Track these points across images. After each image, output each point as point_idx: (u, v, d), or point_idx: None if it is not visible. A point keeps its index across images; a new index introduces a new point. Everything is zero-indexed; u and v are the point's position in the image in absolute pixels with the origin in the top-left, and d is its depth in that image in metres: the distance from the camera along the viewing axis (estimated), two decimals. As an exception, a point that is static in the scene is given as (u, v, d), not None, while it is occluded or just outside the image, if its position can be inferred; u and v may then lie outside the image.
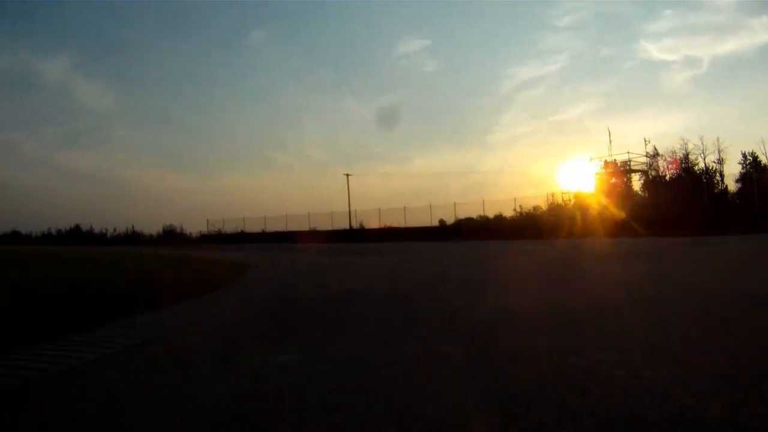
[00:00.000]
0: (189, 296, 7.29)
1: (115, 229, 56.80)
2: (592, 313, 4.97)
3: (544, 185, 66.69)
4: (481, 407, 2.48)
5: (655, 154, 33.25)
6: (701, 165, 32.64)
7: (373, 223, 41.25)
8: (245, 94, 75.92)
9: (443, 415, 2.39)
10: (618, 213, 27.40)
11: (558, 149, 68.58)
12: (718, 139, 32.08)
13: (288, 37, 72.31)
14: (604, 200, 29.83)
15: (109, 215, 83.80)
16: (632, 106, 59.42)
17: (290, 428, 2.32)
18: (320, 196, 67.06)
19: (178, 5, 68.49)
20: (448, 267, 11.98)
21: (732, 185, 32.07)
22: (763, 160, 31.48)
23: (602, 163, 33.37)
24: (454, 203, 37.75)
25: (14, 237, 58.08)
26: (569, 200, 33.99)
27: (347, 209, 43.72)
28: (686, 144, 32.78)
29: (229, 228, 48.59)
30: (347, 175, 44.99)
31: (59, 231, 59.38)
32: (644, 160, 33.23)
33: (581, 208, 30.80)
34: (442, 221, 37.78)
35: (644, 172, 33.84)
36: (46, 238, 58.06)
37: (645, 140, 33.45)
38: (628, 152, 32.73)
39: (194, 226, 54.48)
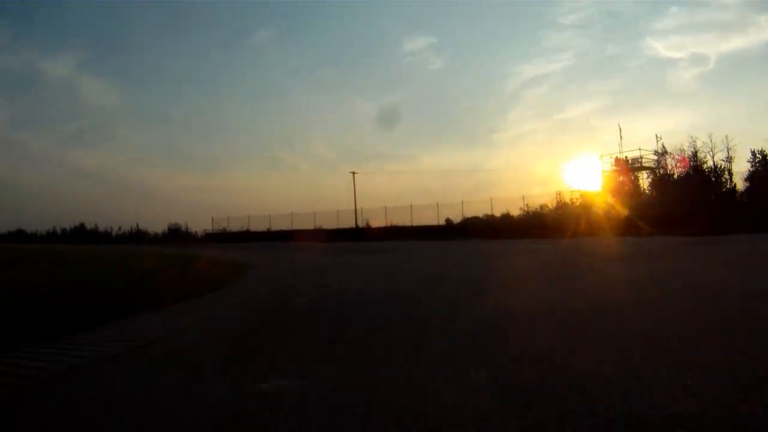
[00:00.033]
0: (189, 296, 7.16)
1: (120, 228, 57.22)
2: (593, 314, 4.93)
3: (550, 184, 66.73)
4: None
5: (663, 152, 33.08)
6: (710, 163, 32.39)
7: (379, 222, 41.32)
8: (250, 93, 76.43)
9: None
10: (625, 211, 27.29)
11: (564, 147, 68.63)
12: (726, 137, 31.77)
13: (293, 36, 72.68)
14: (611, 199, 29.71)
15: (114, 214, 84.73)
16: (639, 104, 59.42)
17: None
18: (326, 195, 67.77)
19: (183, 4, 68.88)
20: (449, 267, 11.89)
21: (740, 184, 31.84)
22: (773, 158, 31.19)
23: (613, 160, 33.24)
24: (462, 201, 37.78)
25: (19, 235, 58.43)
26: (576, 199, 33.89)
27: (353, 208, 43.83)
28: (695, 142, 32.56)
29: (234, 227, 48.87)
30: (353, 173, 45.07)
31: (64, 230, 59.85)
32: (655, 156, 33.12)
33: (588, 206, 30.69)
34: (448, 220, 37.81)
35: (653, 170, 33.63)
36: (51, 236, 58.46)
37: (657, 136, 33.22)
38: (640, 149, 32.69)
39: (199, 224, 54.79)
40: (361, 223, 42.53)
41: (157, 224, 60.57)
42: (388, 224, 39.79)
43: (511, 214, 36.03)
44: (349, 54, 76.12)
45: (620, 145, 33.19)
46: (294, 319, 5.49)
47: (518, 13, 66.37)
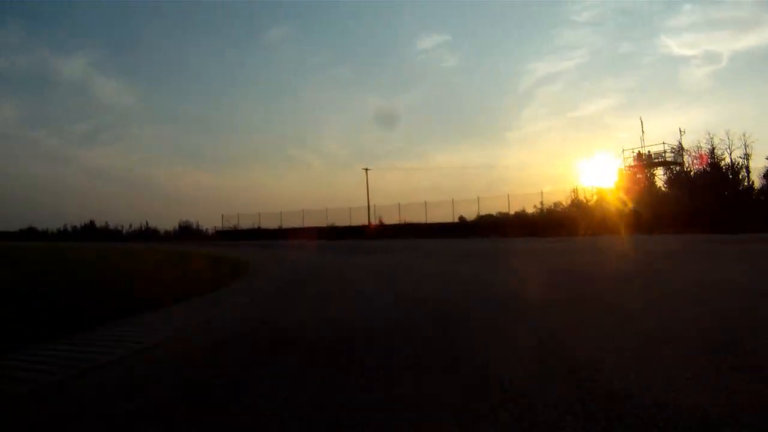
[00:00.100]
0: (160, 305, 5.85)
1: (130, 225, 57.21)
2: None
3: (564, 181, 66.23)
4: None
5: (680, 149, 32.66)
6: (727, 160, 31.95)
7: (392, 219, 40.74)
8: (263, 92, 76.51)
9: None
10: (642, 209, 26.96)
11: (578, 145, 68.28)
12: (744, 134, 31.12)
13: (306, 35, 72.55)
14: (627, 196, 29.33)
15: (126, 212, 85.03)
16: (652, 101, 58.86)
17: None
18: (339, 193, 67.53)
19: (195, 4, 68.71)
20: (452, 267, 10.62)
21: (758, 181, 31.41)
22: (790, 155, 30.76)
23: (635, 154, 32.64)
24: (478, 197, 37.04)
25: (29, 233, 58.65)
26: (592, 196, 33.55)
27: (366, 205, 43.37)
28: (712, 138, 31.96)
29: (246, 224, 48.59)
30: (366, 169, 44.62)
31: (74, 227, 60.05)
32: (672, 154, 32.24)
33: (604, 204, 30.36)
34: (461, 218, 37.30)
35: (674, 165, 32.80)
36: (62, 234, 58.66)
37: (680, 130, 32.60)
38: (664, 143, 32.00)
39: (211, 222, 54.88)
40: (374, 221, 42.08)
41: (168, 222, 60.64)
42: (402, 221, 39.33)
43: (527, 211, 35.64)
44: (363, 52, 75.98)
45: (642, 139, 32.73)
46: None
47: (532, 10, 65.84)
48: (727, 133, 31.74)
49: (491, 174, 62.51)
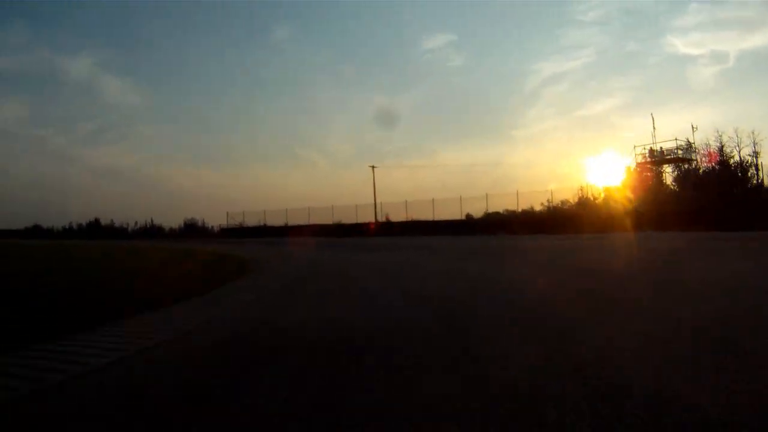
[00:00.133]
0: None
1: (136, 223, 57.46)
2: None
3: (571, 180, 66.01)
4: None
5: (689, 147, 32.36)
6: (736, 158, 31.66)
7: (399, 217, 40.66)
8: (269, 90, 76.46)
9: None
10: (649, 207, 26.80)
11: (584, 144, 68.02)
12: (753, 132, 30.92)
13: (311, 34, 72.51)
14: (635, 194, 29.16)
15: (133, 209, 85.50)
16: (659, 101, 58.66)
17: None
18: (345, 191, 67.57)
19: (200, 3, 68.85)
20: (458, 264, 10.69)
21: (767, 179, 31.11)
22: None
23: (647, 151, 32.40)
24: (486, 194, 36.78)
25: (35, 231, 59.06)
26: (599, 194, 33.41)
27: (373, 202, 43.19)
28: (721, 136, 31.70)
29: (251, 221, 48.57)
30: (372, 167, 44.46)
31: (80, 225, 60.34)
32: (687, 148, 31.91)
33: (611, 202, 30.22)
34: (468, 215, 37.12)
35: (684, 162, 32.47)
36: (67, 232, 59.01)
37: (693, 127, 32.44)
38: (676, 139, 31.68)
39: (216, 219, 54.80)
40: (381, 218, 41.97)
41: (173, 220, 60.79)
42: (409, 219, 39.17)
43: (535, 209, 35.44)
44: (369, 52, 75.84)
45: (653, 136, 32.61)
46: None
47: (538, 10, 65.48)
48: (736, 131, 31.45)
49: (498, 172, 62.38)
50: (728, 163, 31.48)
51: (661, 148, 31.97)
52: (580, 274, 8.35)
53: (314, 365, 3.17)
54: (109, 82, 75.04)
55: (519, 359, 3.06)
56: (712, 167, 31.97)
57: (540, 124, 65.88)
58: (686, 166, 32.60)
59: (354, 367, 3.07)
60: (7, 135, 73.85)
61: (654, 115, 52.76)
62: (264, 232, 44.06)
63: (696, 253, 11.87)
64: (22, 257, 16.35)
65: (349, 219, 41.84)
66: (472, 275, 8.61)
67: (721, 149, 31.55)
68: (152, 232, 54.69)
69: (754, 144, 30.80)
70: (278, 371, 3.07)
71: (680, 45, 57.23)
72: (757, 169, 30.94)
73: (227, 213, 50.57)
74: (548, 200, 34.96)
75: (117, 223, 58.33)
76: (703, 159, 32.37)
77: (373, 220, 41.50)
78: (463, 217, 37.01)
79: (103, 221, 58.86)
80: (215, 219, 57.75)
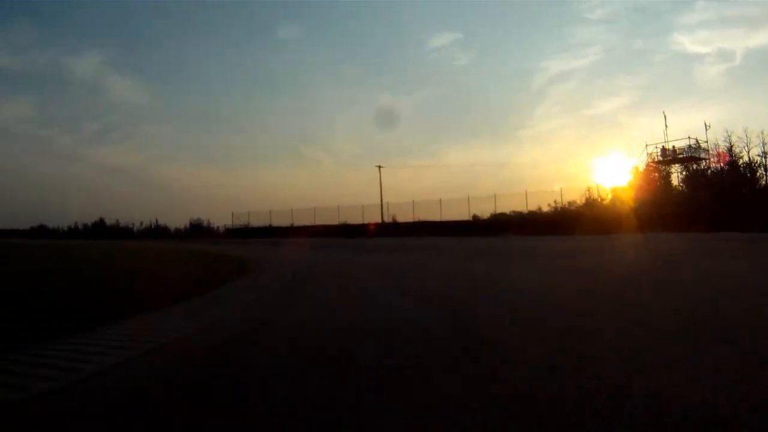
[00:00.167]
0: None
1: (141, 223, 57.61)
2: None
3: (577, 179, 65.73)
4: None
5: (697, 147, 32.09)
6: (745, 158, 31.32)
7: (406, 217, 40.59)
8: (275, 90, 76.74)
9: None
10: (657, 208, 26.62)
11: (591, 143, 67.57)
12: (762, 132, 30.63)
13: (317, 33, 72.74)
14: (642, 195, 28.97)
15: (139, 209, 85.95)
16: (665, 99, 58.36)
17: None
18: (351, 191, 67.57)
19: (206, 3, 69.25)
20: (464, 265, 10.55)
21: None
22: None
23: (659, 150, 32.04)
24: (494, 195, 36.45)
25: (40, 231, 59.30)
26: (606, 194, 33.24)
27: (379, 202, 43.00)
28: (729, 136, 31.38)
29: (256, 222, 48.54)
30: (379, 166, 44.31)
31: (85, 225, 60.52)
32: (696, 148, 31.38)
33: (618, 203, 30.06)
34: (475, 216, 36.87)
35: (697, 162, 32.15)
36: (72, 232, 59.22)
37: (706, 125, 31.94)
38: (689, 137, 31.21)
39: (222, 219, 54.97)
40: (387, 218, 41.91)
41: (179, 220, 61.09)
42: (416, 219, 39.07)
43: (542, 209, 35.21)
44: (374, 51, 76.01)
45: (665, 134, 32.24)
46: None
47: (544, 8, 65.36)
48: (745, 131, 31.17)
49: (504, 172, 62.31)
50: (737, 163, 31.24)
51: (673, 146, 31.61)
52: (580, 274, 8.36)
53: (314, 365, 3.17)
54: (114, 81, 75.60)
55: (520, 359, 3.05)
56: (721, 167, 31.73)
57: (547, 123, 65.76)
58: (695, 166, 32.32)
59: (354, 367, 3.07)
60: (13, 135, 74.55)
61: (661, 114, 52.60)
62: (269, 233, 44.01)
63: (700, 254, 11.78)
64: (23, 257, 16.29)
65: (355, 219, 41.80)
66: (479, 275, 8.66)
67: (730, 149, 31.33)
68: (157, 232, 54.82)
69: (764, 144, 30.57)
70: (278, 371, 3.08)
71: (687, 43, 57.02)
72: (765, 170, 30.71)
73: (232, 213, 50.74)
74: (556, 201, 34.84)
75: (122, 223, 58.45)
76: (713, 159, 32.13)
77: (378, 220, 41.42)
78: (471, 218, 36.83)
79: (108, 221, 59.04)
80: (221, 219, 58.04)
